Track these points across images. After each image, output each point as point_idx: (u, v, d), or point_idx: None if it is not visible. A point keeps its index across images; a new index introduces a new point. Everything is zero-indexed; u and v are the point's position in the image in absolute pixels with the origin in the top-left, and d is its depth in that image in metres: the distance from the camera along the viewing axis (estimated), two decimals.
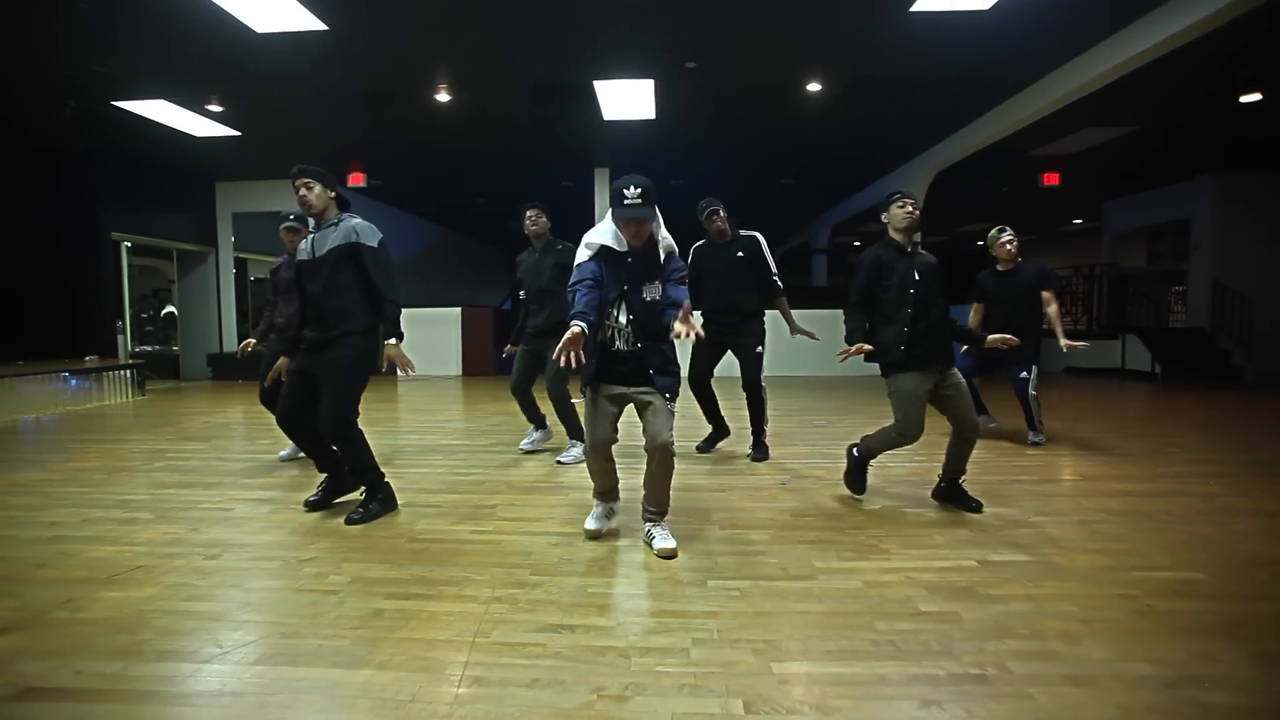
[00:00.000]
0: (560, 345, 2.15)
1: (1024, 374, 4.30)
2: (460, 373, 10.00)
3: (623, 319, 2.43)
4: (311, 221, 2.94)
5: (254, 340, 4.32)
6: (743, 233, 3.94)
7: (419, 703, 1.53)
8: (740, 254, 3.88)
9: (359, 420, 2.90)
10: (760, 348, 3.92)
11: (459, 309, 10.01)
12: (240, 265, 10.53)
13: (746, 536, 2.67)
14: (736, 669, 1.68)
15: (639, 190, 2.30)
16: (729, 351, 4.01)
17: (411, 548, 2.56)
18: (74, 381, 7.17)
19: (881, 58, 5.48)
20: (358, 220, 2.89)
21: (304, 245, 2.92)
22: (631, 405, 2.52)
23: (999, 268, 4.48)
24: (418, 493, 3.28)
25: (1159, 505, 3.05)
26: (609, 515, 2.73)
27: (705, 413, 4.17)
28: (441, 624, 1.92)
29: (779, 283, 3.96)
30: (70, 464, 4.06)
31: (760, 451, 4.01)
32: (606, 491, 2.69)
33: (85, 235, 8.08)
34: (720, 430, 4.22)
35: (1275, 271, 9.08)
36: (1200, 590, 2.13)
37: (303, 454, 3.76)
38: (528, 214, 4.03)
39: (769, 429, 4.15)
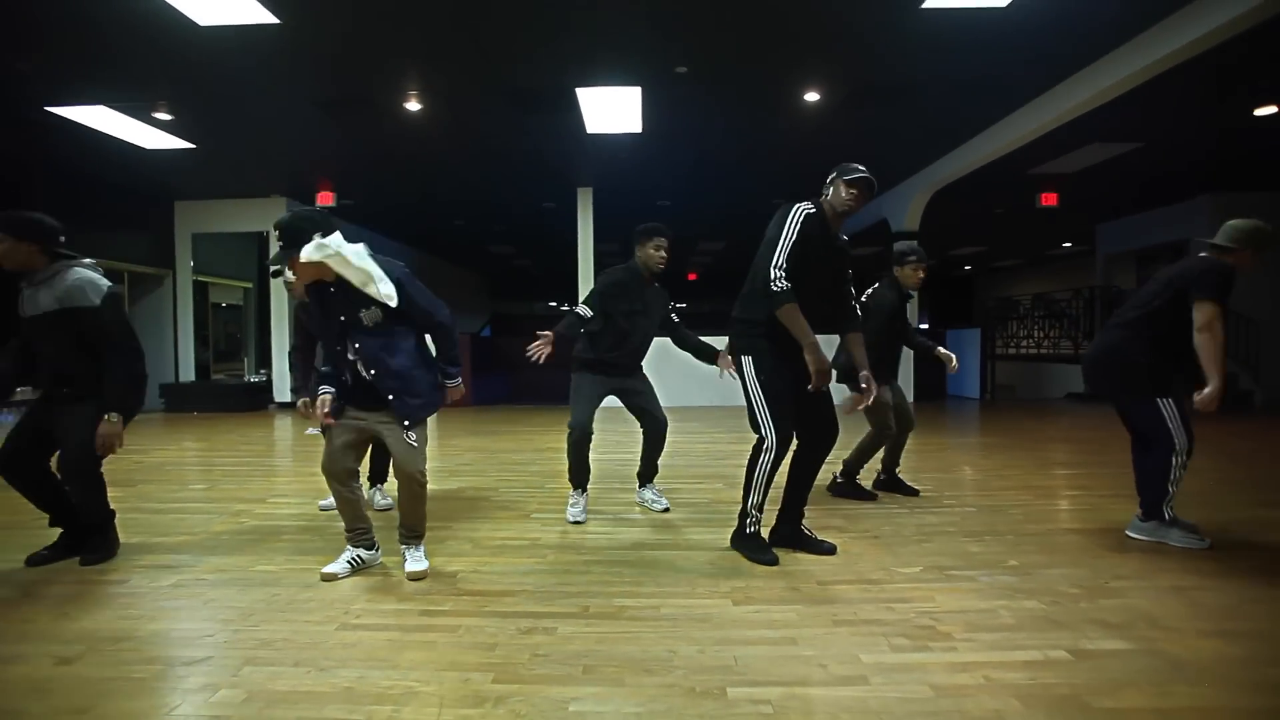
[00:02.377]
0: None
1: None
2: None
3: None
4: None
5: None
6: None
7: None
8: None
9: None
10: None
11: None
12: (201, 289, 9.88)
13: (767, 616, 2.13)
14: None
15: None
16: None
17: (340, 639, 1.97)
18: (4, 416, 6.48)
19: (887, 59, 5.09)
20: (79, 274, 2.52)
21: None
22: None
23: None
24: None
25: (1254, 563, 2.56)
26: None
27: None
28: None
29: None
30: None
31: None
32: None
33: None
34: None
35: (1278, 293, 8.84)
36: None
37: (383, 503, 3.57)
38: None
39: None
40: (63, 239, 2.57)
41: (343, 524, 2.55)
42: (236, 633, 2.02)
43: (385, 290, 2.31)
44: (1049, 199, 9.16)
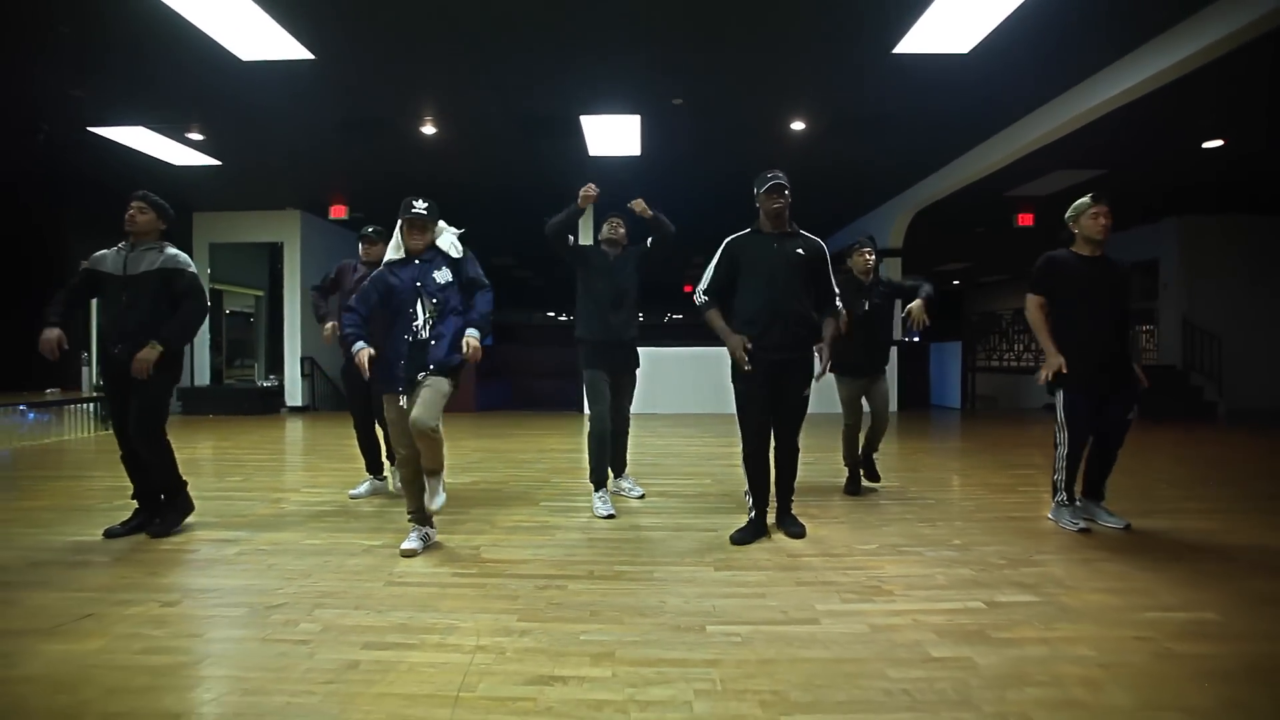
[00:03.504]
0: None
1: (1133, 414, 3.19)
2: None
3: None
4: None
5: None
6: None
7: None
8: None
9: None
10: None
11: None
12: (216, 297, 10.30)
13: (743, 578, 2.55)
14: None
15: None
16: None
17: (390, 592, 2.39)
18: (31, 415, 6.86)
19: (864, 97, 5.60)
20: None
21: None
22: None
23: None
24: (396, 533, 3.10)
25: (1158, 542, 3.00)
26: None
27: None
28: (422, 677, 1.76)
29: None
30: (20, 503, 3.81)
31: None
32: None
33: (54, 264, 7.83)
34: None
35: (1241, 310, 9.35)
36: (1216, 631, 2.06)
37: (378, 488, 4.03)
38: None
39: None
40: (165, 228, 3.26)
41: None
42: (301, 587, 2.43)
43: (456, 248, 2.95)
44: (1025, 219, 9.66)
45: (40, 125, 5.70)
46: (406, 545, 2.83)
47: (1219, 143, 6.27)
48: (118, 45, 4.66)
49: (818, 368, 3.06)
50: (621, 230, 3.80)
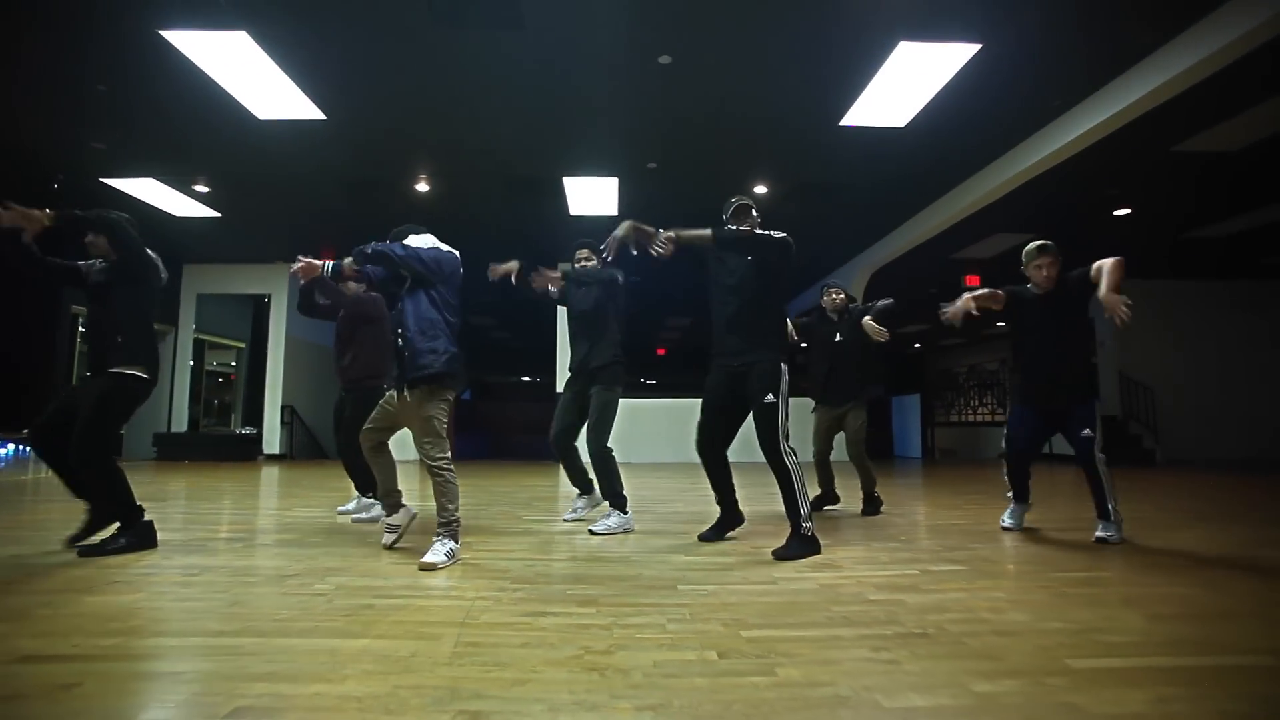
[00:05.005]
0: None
1: (1086, 432, 3.27)
2: None
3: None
4: None
5: None
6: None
7: (420, 657, 1.65)
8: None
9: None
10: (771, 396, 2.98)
11: None
12: (199, 346, 10.46)
13: (712, 560, 2.85)
14: (709, 635, 1.85)
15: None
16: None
17: (392, 562, 2.64)
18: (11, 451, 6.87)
19: (816, 163, 6.32)
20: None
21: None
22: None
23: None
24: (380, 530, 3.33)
25: (1074, 536, 3.39)
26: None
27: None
28: (431, 613, 2.03)
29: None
30: (20, 516, 3.93)
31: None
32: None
33: (44, 306, 8.01)
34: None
35: (1169, 364, 10.16)
36: (1108, 581, 2.43)
37: (373, 514, 3.84)
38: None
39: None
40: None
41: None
42: (308, 565, 2.67)
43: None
44: (972, 280, 10.47)
45: (58, 175, 6.08)
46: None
47: (1127, 211, 7.11)
48: (144, 102, 5.13)
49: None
50: (586, 264, 3.84)
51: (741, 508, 3.36)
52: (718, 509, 3.31)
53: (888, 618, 2.00)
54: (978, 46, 4.40)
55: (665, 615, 2.04)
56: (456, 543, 2.77)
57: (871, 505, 4.21)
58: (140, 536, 2.87)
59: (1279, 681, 1.54)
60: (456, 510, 2.80)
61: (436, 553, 2.64)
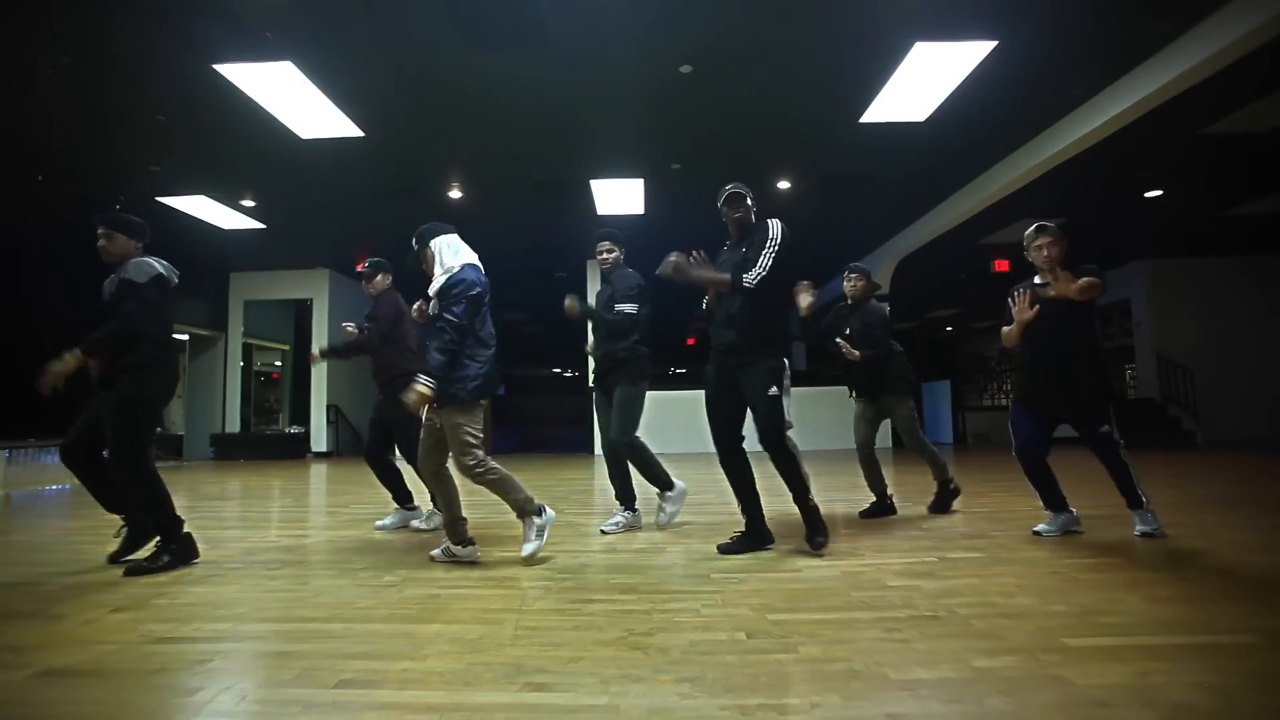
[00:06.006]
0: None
1: (1105, 428, 3.12)
2: None
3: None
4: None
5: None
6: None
7: (486, 639, 1.90)
8: None
9: None
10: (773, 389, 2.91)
11: None
12: (247, 350, 10.99)
13: (740, 559, 3.06)
14: (739, 618, 2.06)
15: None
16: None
17: (446, 567, 2.91)
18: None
19: (838, 158, 6.40)
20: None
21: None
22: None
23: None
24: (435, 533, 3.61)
25: (1090, 523, 3.51)
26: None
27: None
28: (491, 601, 2.28)
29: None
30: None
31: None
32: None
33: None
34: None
35: (1208, 344, 9.96)
36: (1114, 567, 2.57)
37: (433, 524, 3.69)
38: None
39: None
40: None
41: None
42: (376, 558, 2.96)
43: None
44: (1002, 265, 10.40)
45: (120, 197, 6.51)
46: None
47: (1159, 193, 7.03)
48: (199, 127, 5.49)
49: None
50: (608, 255, 3.67)
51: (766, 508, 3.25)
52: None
53: (903, 602, 2.18)
54: (993, 43, 4.46)
55: (699, 601, 2.25)
56: (540, 517, 2.86)
57: (943, 499, 3.97)
58: (182, 549, 2.81)
59: (1258, 657, 1.69)
60: (521, 494, 2.85)
61: (529, 543, 2.81)
